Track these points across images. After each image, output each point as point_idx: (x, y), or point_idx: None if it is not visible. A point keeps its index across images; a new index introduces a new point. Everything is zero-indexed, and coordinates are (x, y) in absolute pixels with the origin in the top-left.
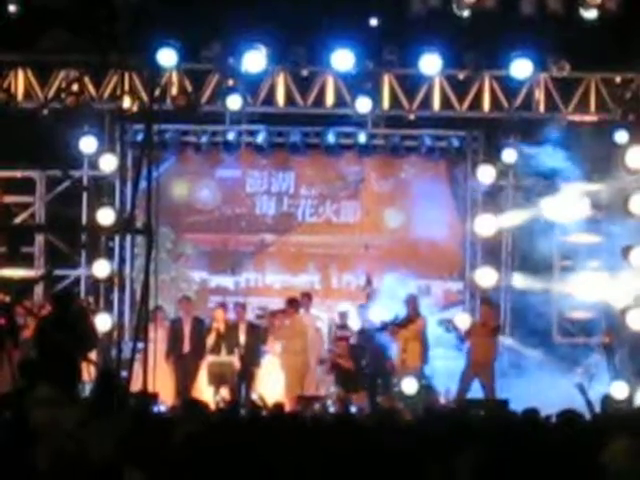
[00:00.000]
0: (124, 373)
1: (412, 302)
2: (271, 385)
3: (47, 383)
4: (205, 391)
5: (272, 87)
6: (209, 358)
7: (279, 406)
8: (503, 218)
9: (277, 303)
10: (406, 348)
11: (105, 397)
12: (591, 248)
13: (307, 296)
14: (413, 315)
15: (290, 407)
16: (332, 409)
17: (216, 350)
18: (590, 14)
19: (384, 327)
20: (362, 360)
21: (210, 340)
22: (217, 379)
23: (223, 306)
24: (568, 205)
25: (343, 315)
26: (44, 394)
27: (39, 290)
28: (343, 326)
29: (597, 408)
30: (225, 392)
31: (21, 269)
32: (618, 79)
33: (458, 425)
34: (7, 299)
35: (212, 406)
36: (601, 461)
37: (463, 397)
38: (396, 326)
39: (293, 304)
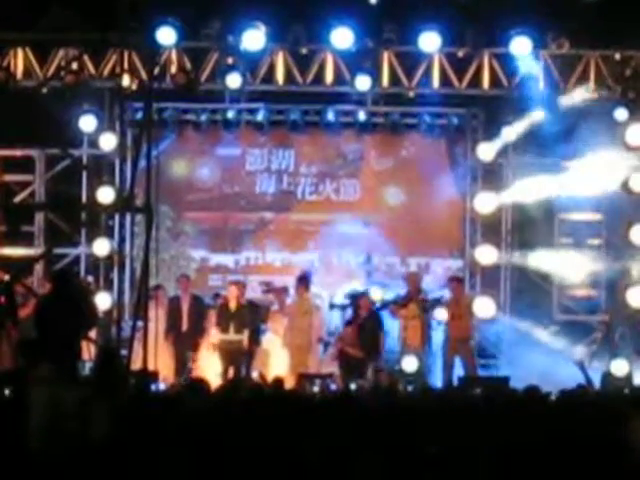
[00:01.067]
0: (124, 352)
1: (413, 280)
2: (275, 364)
3: (47, 362)
4: (206, 369)
5: (271, 65)
6: (220, 336)
7: (279, 381)
8: (503, 195)
9: (278, 281)
10: (406, 327)
11: (105, 376)
12: (592, 225)
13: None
14: (414, 293)
15: (292, 385)
16: (333, 387)
17: (225, 328)
18: None
19: (384, 306)
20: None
21: (219, 317)
22: (226, 357)
23: (236, 283)
24: (568, 182)
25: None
26: (44, 373)
27: (39, 269)
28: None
29: (597, 385)
30: (231, 371)
31: (21, 248)
32: (618, 56)
33: (456, 403)
34: (7, 277)
35: (216, 384)
36: (624, 438)
37: (449, 375)
38: (396, 305)
39: (303, 281)
